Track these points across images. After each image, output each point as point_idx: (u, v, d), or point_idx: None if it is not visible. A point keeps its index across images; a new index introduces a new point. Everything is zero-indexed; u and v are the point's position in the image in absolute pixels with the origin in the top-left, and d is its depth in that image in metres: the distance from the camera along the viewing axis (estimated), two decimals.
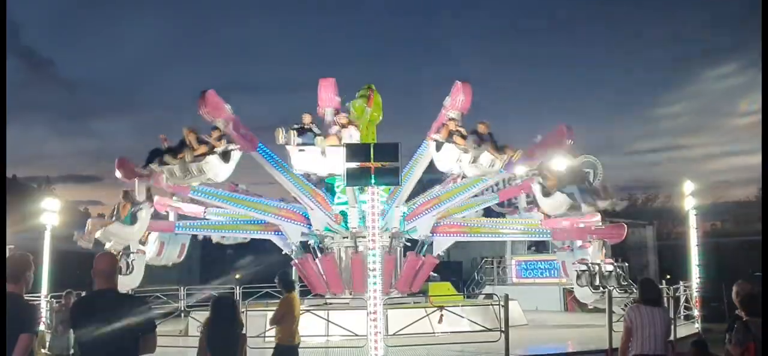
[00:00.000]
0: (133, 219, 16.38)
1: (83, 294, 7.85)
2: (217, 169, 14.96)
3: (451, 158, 14.99)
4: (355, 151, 11.67)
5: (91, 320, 5.63)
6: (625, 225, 18.22)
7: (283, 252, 19.43)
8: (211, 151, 14.87)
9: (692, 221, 18.30)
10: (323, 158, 15.76)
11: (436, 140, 15.28)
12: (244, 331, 6.73)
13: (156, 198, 17.78)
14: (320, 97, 17.88)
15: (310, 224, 17.72)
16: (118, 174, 15.47)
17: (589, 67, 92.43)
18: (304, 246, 18.32)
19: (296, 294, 10.05)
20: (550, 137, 15.39)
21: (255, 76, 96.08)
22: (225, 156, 15.03)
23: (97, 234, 16.28)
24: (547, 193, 15.93)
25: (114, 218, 16.63)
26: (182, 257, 20.05)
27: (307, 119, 16.56)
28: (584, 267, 17.86)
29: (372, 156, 11.02)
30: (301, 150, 15.92)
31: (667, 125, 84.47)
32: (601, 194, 16.36)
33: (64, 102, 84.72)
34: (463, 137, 14.91)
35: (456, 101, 15.46)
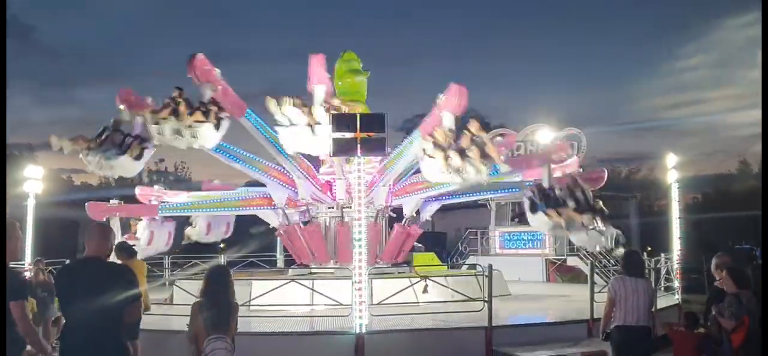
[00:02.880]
0: (140, 156, 15.32)
1: (67, 261, 7.83)
2: (208, 137, 14.75)
3: (435, 170, 14.61)
4: (341, 121, 11.66)
5: (76, 288, 5.62)
6: (605, 170, 17.65)
7: (270, 225, 19.66)
8: (206, 119, 14.59)
9: (674, 194, 18.48)
10: (314, 136, 14.91)
11: (424, 152, 14.74)
12: (235, 300, 6.76)
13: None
14: (310, 73, 16.50)
15: (297, 190, 17.76)
16: (121, 107, 15.19)
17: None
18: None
19: (135, 260, 9.88)
20: (550, 152, 15.19)
21: (243, 44, 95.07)
22: (217, 124, 14.78)
23: (95, 165, 15.14)
24: (534, 209, 15.50)
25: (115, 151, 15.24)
26: (169, 246, 20.23)
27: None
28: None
29: (359, 126, 11.03)
30: (288, 127, 15.18)
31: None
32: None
33: (47, 69, 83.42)
34: (444, 149, 14.38)
35: (450, 103, 14.92)
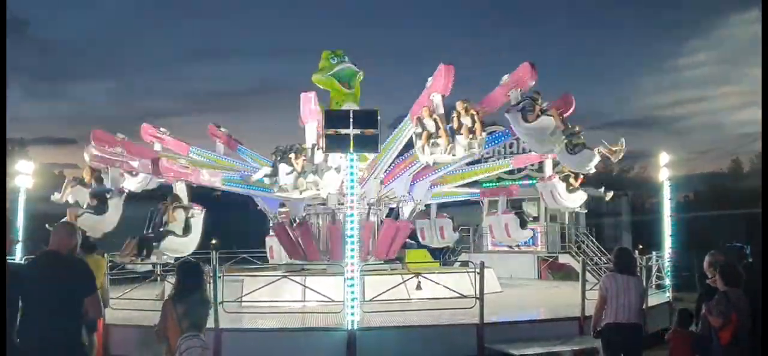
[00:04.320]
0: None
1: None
2: (178, 245, 14.63)
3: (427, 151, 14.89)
4: (333, 118, 11.61)
5: (34, 281, 5.67)
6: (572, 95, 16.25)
7: (258, 208, 19.66)
8: (164, 233, 14.42)
9: (666, 192, 18.49)
10: (298, 191, 15.14)
11: (414, 133, 15.13)
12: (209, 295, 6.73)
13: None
14: (302, 111, 16.60)
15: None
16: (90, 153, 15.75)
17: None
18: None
19: (94, 256, 9.82)
20: (515, 76, 15.21)
21: (235, 39, 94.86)
22: (185, 230, 14.60)
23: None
24: (526, 119, 14.83)
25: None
26: None
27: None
28: None
29: (351, 123, 10.98)
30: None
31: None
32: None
33: (40, 64, 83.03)
34: (437, 126, 14.75)
35: (438, 84, 15.11)
